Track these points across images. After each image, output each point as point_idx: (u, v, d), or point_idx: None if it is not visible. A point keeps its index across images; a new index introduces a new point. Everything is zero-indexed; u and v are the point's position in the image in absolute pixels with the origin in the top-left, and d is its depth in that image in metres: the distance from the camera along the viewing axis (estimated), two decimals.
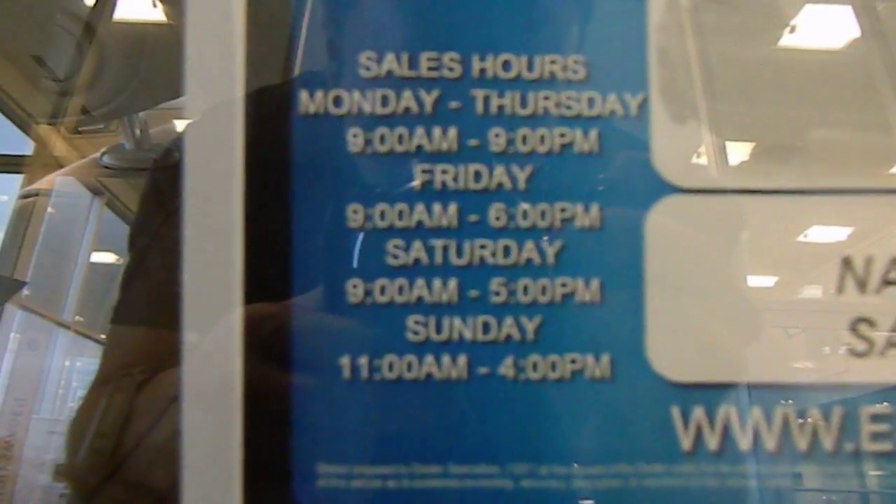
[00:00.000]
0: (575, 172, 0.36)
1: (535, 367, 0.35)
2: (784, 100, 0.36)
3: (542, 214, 0.36)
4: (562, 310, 0.36)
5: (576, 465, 0.35)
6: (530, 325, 0.35)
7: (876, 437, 0.35)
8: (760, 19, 0.37)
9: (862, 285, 0.36)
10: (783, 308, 0.36)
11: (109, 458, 0.41)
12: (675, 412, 0.35)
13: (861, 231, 0.36)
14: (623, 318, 0.36)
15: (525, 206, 0.36)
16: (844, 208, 0.36)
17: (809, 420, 0.35)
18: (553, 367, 0.35)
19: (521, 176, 0.36)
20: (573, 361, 0.35)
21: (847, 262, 0.36)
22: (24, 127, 1.95)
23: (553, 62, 0.37)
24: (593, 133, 0.36)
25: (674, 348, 0.36)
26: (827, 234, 0.36)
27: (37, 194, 1.89)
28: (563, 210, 0.36)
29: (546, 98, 0.36)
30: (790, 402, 0.35)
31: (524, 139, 0.36)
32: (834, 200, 0.36)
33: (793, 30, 0.36)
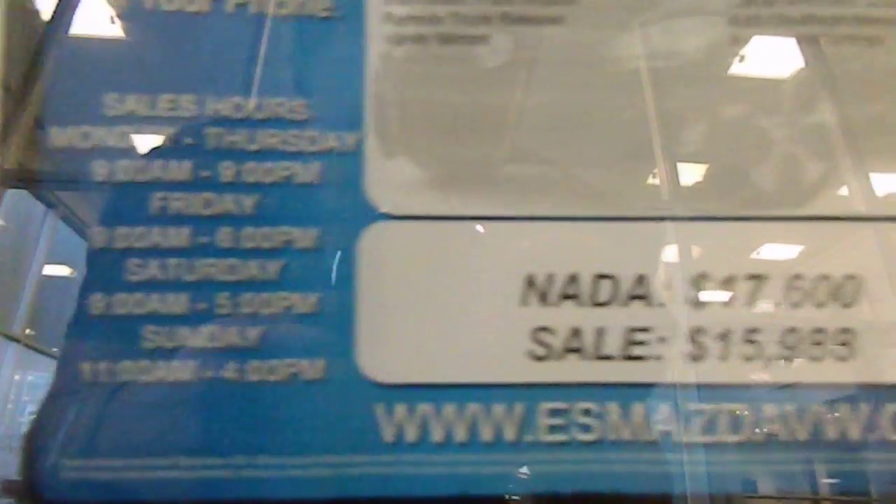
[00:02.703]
0: (297, 200, 0.42)
1: (256, 370, 0.40)
2: (478, 138, 0.42)
3: (266, 237, 0.41)
4: (281, 320, 0.41)
5: (291, 455, 0.40)
6: (253, 334, 0.40)
7: (550, 429, 0.41)
8: (459, 68, 0.43)
9: (543, 298, 0.42)
10: (474, 317, 0.42)
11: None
12: (380, 409, 0.41)
13: (545, 250, 0.42)
14: (336, 328, 0.41)
15: (250, 229, 0.41)
16: (530, 231, 0.42)
17: (496, 413, 0.41)
18: (272, 370, 0.40)
19: (248, 203, 0.41)
20: (290, 365, 0.41)
21: (530, 279, 0.42)
22: None
23: (280, 105, 0.42)
24: (314, 166, 0.42)
25: (380, 354, 0.41)
26: (513, 253, 0.42)
27: None
28: (284, 233, 0.41)
29: (272, 136, 0.42)
30: (481, 398, 0.41)
31: (251, 171, 0.41)
32: (521, 225, 0.42)
33: (487, 76, 0.42)
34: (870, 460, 0.41)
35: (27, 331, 0.42)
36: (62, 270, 0.43)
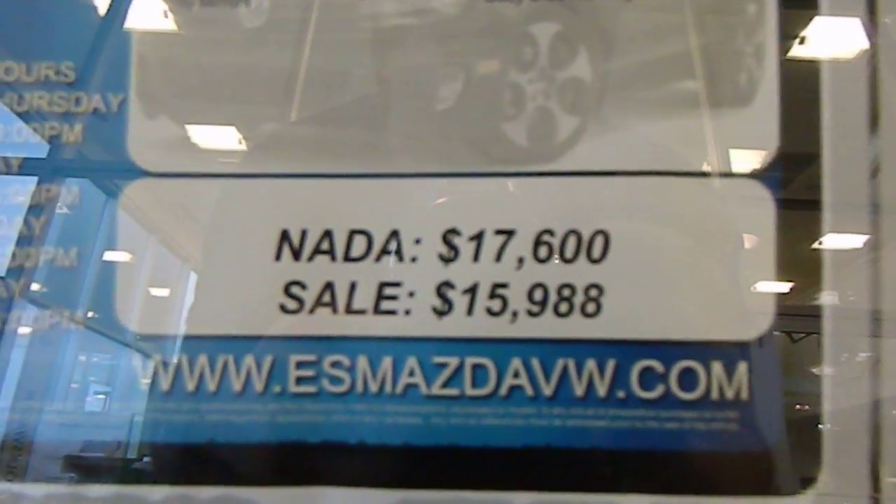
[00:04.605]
0: (61, 159, 0.44)
1: (19, 319, 0.43)
2: (236, 97, 0.43)
3: (32, 195, 0.43)
4: (45, 274, 0.43)
5: (54, 400, 0.43)
6: (16, 286, 0.43)
7: (300, 381, 0.42)
8: (220, 31, 0.44)
9: (296, 253, 0.43)
10: (228, 271, 0.43)
11: None
12: (136, 359, 0.43)
13: (300, 207, 0.43)
14: (96, 281, 0.43)
15: (15, 187, 0.43)
16: (285, 189, 0.43)
17: (246, 364, 0.42)
18: (35, 320, 0.43)
19: (14, 163, 0.43)
20: (52, 315, 0.43)
21: (284, 235, 0.43)
22: None
23: (49, 68, 0.44)
24: (78, 126, 0.43)
25: (138, 305, 0.43)
26: (267, 209, 0.43)
27: None
28: (48, 191, 0.43)
29: (40, 97, 0.44)
30: (232, 349, 0.42)
31: (19, 132, 0.43)
32: (276, 182, 0.43)
33: (246, 38, 0.43)
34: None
35: (90, 314, 0.45)
36: (122, 256, 0.46)
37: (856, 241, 0.42)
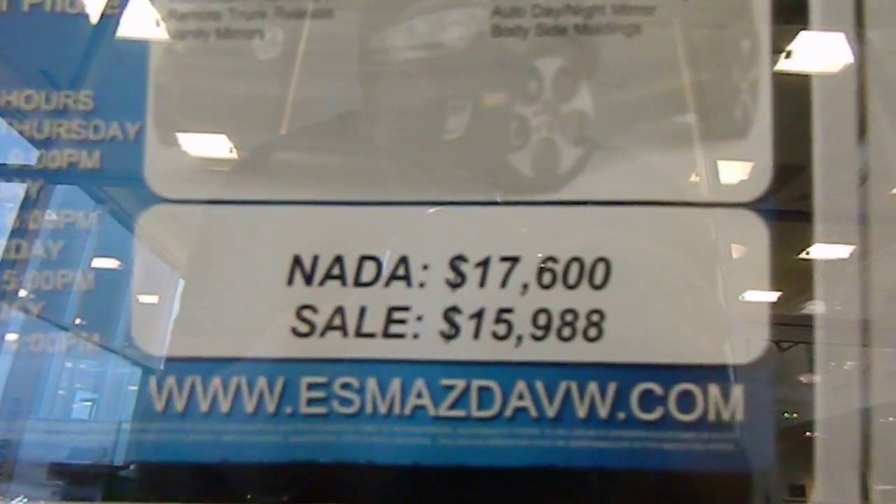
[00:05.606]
0: (79, 185, 0.45)
1: (37, 342, 0.44)
2: (252, 127, 0.45)
3: (50, 220, 0.44)
4: (62, 296, 0.44)
5: (65, 421, 0.44)
6: (35, 308, 0.44)
7: (311, 402, 0.43)
8: (235, 63, 0.46)
9: (308, 278, 0.44)
10: (241, 296, 0.45)
11: None
12: (151, 380, 0.44)
13: (312, 233, 0.44)
14: (113, 304, 0.44)
15: (35, 213, 0.44)
16: (298, 215, 0.44)
17: (259, 386, 0.43)
18: (53, 342, 0.44)
19: (34, 188, 0.45)
20: (69, 338, 0.44)
21: (297, 261, 0.44)
22: None
23: (67, 96, 0.45)
24: (97, 153, 0.45)
25: (153, 328, 0.44)
26: (280, 235, 0.44)
27: None
28: (67, 216, 0.44)
29: (59, 125, 0.45)
30: (245, 371, 0.44)
31: (39, 159, 0.45)
32: (289, 209, 0.44)
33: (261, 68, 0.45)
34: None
35: (77, 320, 0.46)
36: (110, 263, 0.47)
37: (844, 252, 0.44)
